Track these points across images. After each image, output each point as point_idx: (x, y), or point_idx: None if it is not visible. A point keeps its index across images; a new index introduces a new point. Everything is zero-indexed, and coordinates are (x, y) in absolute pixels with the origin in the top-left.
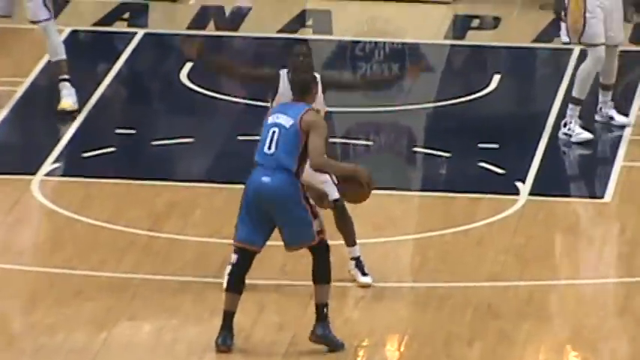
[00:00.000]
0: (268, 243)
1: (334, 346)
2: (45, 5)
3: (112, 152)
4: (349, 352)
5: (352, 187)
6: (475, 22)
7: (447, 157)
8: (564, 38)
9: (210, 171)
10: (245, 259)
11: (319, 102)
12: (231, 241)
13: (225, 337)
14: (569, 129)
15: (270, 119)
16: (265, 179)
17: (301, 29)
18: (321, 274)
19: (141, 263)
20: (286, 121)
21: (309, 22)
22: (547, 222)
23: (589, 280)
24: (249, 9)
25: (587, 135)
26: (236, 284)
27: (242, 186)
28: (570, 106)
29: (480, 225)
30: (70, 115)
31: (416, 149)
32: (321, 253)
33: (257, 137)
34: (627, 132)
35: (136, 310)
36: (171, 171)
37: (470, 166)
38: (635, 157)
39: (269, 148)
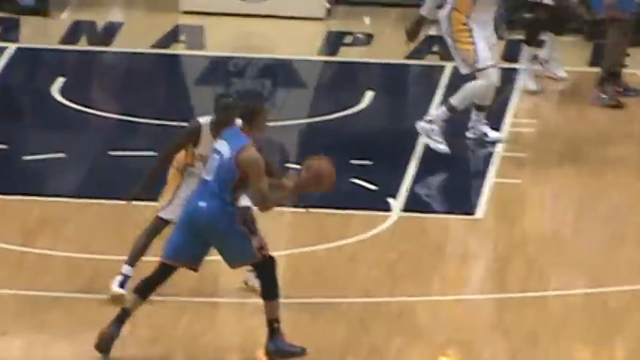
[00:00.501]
0: (145, 259)
1: (292, 355)
2: None
3: None
4: None
5: (314, 188)
6: (348, 39)
7: None
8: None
9: (81, 186)
10: (166, 274)
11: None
12: (116, 257)
13: (117, 329)
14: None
15: (217, 144)
16: (202, 204)
17: (174, 44)
18: (269, 289)
19: (12, 278)
20: (226, 151)
21: (182, 38)
22: (419, 238)
23: (460, 295)
24: (122, 24)
25: (443, 148)
26: (146, 291)
27: (114, 201)
28: (442, 111)
29: (352, 241)
30: None
31: (288, 165)
32: (264, 269)
33: (129, 152)
34: (499, 149)
35: (7, 325)
36: (43, 186)
37: (342, 182)
38: (507, 173)
39: (208, 174)
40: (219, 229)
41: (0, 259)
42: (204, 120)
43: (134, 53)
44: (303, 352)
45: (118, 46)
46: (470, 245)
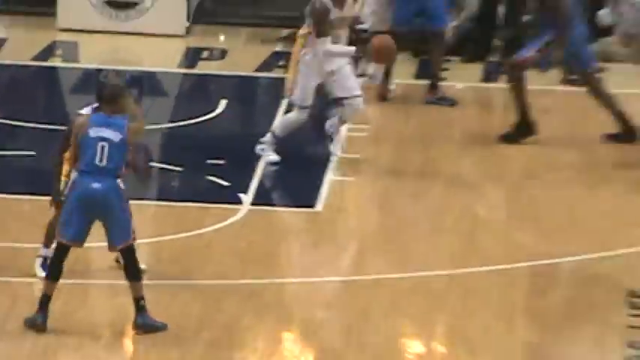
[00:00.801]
0: (17, 245)
1: (156, 329)
2: None
3: None
4: (86, 342)
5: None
6: (205, 54)
7: (179, 172)
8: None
9: None
10: (65, 254)
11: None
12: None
13: (44, 317)
14: (263, 149)
15: (93, 132)
16: (95, 185)
17: (51, 58)
18: (132, 272)
19: None
20: (114, 135)
21: (59, 52)
22: (266, 228)
23: (302, 279)
24: (5, 39)
25: (274, 158)
26: (56, 273)
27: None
28: (269, 136)
29: (208, 231)
30: None
31: (152, 164)
32: (129, 255)
33: (11, 152)
34: (338, 151)
35: None
36: None
37: (199, 180)
38: (343, 172)
39: (100, 160)
40: (114, 204)
41: None
42: (86, 110)
43: (17, 65)
44: (165, 326)
45: (1, 59)
46: (311, 235)
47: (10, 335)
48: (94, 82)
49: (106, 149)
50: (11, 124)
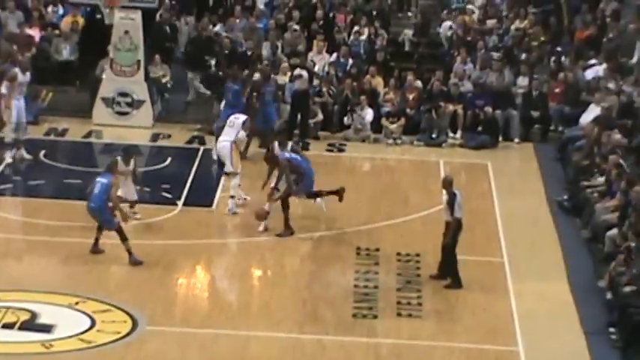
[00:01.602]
0: None
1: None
2: None
3: None
4: None
5: None
6: (161, 136)
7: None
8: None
9: None
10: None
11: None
12: None
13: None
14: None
15: (97, 179)
16: (92, 205)
17: (90, 137)
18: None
19: None
20: (105, 179)
21: (93, 134)
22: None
23: None
24: (67, 129)
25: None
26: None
27: None
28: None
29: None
30: None
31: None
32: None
33: None
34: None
35: None
36: None
37: (157, 192)
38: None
39: (97, 191)
40: (102, 214)
41: None
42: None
43: (75, 141)
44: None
45: (67, 138)
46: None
47: None
48: (113, 149)
49: (98, 186)
50: (69, 168)
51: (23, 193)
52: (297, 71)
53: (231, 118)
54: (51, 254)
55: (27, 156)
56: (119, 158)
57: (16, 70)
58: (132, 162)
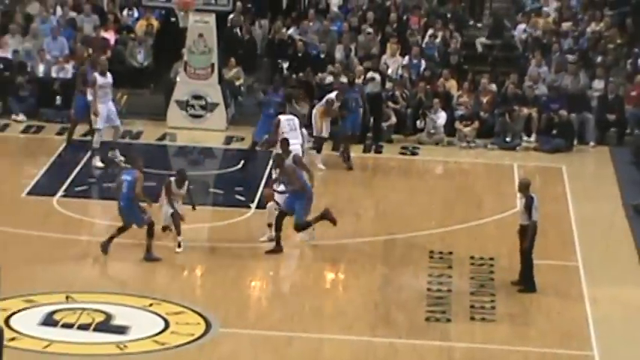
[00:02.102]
0: None
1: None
2: None
3: None
4: None
5: None
6: (234, 139)
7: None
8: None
9: None
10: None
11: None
12: None
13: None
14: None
15: (122, 176)
16: (122, 203)
17: (164, 140)
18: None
19: None
20: (129, 176)
21: (167, 137)
22: None
23: None
24: (142, 131)
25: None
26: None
27: None
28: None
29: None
30: None
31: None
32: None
33: None
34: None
35: None
36: None
37: (230, 195)
38: None
39: (123, 191)
40: (131, 215)
41: None
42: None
43: (149, 144)
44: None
45: (142, 140)
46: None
47: None
48: (183, 152)
49: (126, 184)
50: (143, 170)
51: (98, 195)
52: (370, 74)
53: (286, 122)
54: (125, 256)
55: (121, 157)
56: (172, 180)
57: (95, 74)
58: (185, 185)
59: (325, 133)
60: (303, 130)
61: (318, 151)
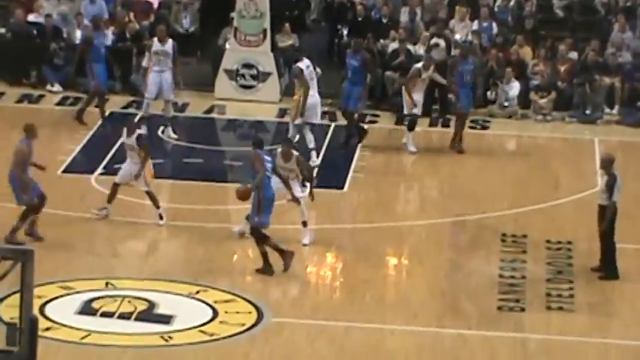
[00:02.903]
0: None
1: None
2: None
3: None
4: None
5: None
6: (287, 111)
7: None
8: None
9: None
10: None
11: None
12: None
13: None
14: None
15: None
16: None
17: (212, 113)
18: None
19: None
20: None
21: (215, 110)
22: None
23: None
24: (188, 103)
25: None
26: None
27: None
28: None
29: None
30: None
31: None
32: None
33: None
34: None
35: None
36: None
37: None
38: (362, 166)
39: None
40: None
41: None
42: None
43: (195, 117)
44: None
45: (188, 114)
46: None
47: None
48: (233, 125)
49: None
50: (189, 146)
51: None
52: (434, 40)
53: (307, 71)
54: (170, 240)
55: (173, 135)
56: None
57: (154, 39)
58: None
59: (418, 110)
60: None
61: (410, 128)
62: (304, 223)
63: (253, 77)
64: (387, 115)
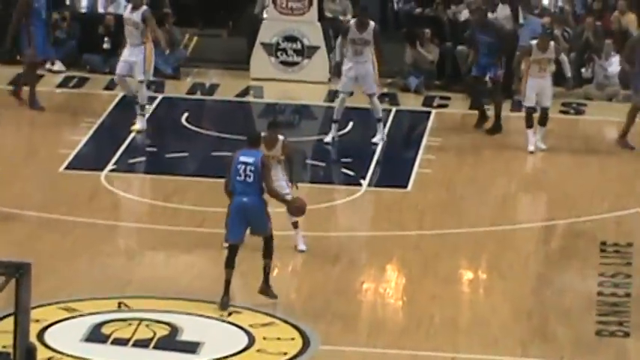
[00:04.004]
0: None
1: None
2: None
3: None
4: None
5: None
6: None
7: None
8: None
9: None
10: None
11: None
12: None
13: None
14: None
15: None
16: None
17: (247, 96)
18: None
19: None
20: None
21: (251, 92)
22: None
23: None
24: (218, 84)
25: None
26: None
27: None
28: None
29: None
30: None
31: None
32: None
33: None
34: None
35: None
36: None
37: (335, 171)
38: (430, 160)
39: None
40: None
41: None
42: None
43: (225, 100)
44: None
45: (217, 96)
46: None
47: None
48: (272, 111)
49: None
50: (218, 136)
51: (159, 168)
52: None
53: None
54: (195, 249)
55: (137, 126)
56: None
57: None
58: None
59: (529, 102)
60: None
61: (533, 124)
62: (294, 225)
63: (297, 52)
64: (458, 98)
